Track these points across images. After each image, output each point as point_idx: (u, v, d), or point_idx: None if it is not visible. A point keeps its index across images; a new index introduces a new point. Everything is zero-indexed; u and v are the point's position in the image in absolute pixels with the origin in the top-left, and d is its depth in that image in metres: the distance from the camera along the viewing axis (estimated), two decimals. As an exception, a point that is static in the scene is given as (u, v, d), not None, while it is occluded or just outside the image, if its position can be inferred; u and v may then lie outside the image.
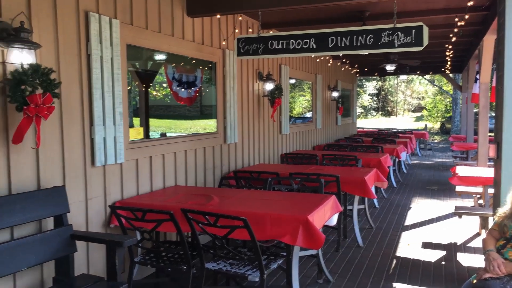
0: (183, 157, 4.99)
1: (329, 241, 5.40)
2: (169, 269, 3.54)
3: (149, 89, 5.26)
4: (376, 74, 16.59)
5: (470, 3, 5.09)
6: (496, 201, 3.95)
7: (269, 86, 6.87)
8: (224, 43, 5.78)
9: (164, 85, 5.40)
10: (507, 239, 2.54)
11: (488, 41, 6.79)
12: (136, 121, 4.91)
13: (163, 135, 5.27)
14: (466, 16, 5.83)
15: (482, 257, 4.78)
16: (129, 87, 4.85)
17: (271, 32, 6.99)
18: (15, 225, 2.93)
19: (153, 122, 5.31)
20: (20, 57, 2.88)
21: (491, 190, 5.10)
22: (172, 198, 4.07)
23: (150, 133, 5.06)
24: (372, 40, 4.56)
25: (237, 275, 3.29)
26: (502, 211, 2.70)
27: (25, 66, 2.84)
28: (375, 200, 7.50)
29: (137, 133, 4.53)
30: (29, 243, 2.90)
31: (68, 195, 3.33)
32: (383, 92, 44.21)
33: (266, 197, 4.10)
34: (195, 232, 3.34)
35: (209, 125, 5.88)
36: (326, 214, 3.73)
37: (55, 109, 3.03)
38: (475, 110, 11.43)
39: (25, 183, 3.12)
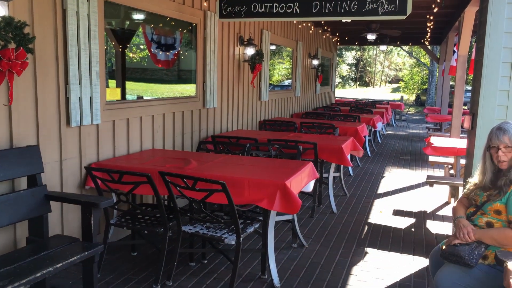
0: (161, 120, 4.92)
1: (304, 207, 5.50)
2: (145, 231, 3.55)
3: (126, 50, 5.10)
4: (356, 43, 16.57)
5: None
6: (467, 171, 4.07)
7: (250, 51, 6.77)
8: (205, 4, 5.61)
9: (142, 47, 5.24)
10: (477, 206, 2.62)
11: (469, 13, 6.80)
12: (112, 83, 4.77)
13: (140, 98, 5.16)
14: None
15: (450, 225, 4.99)
16: (106, 47, 4.69)
17: (253, -5, 6.82)
18: (-13, 184, 2.85)
19: (129, 85, 5.18)
20: (-10, 9, 2.73)
21: (462, 161, 5.25)
22: (149, 161, 4.03)
23: (127, 96, 4.95)
24: (356, 6, 4.52)
25: (214, 238, 3.32)
26: (473, 180, 2.78)
27: (-4, 18, 2.70)
28: (350, 168, 7.63)
29: (114, 93, 4.42)
30: (1, 203, 2.83)
31: (42, 155, 3.25)
32: (361, 63, 44.33)
33: (244, 162, 4.10)
34: (172, 195, 3.33)
35: (186, 90, 5.78)
36: (303, 180, 3.77)
37: (28, 65, 2.90)
38: (450, 83, 11.59)
39: (-3, 141, 3.03)
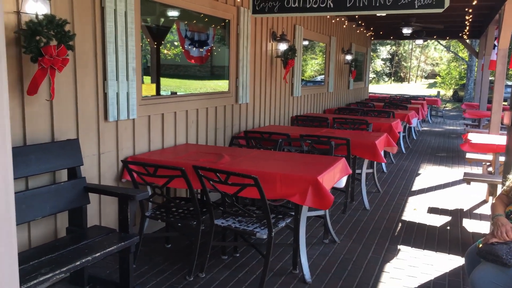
0: (194, 116, 5.00)
1: (336, 203, 5.46)
2: (179, 224, 3.63)
3: (160, 47, 5.21)
4: (391, 37, 16.23)
5: (495, -36, 4.89)
6: (507, 168, 3.94)
7: (283, 46, 6.76)
8: (239, 0, 5.65)
9: (176, 43, 5.33)
10: (517, 205, 2.54)
11: (510, 5, 6.56)
12: (147, 79, 4.89)
13: (174, 94, 5.26)
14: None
15: (487, 223, 4.84)
16: (141, 44, 4.80)
17: (287, -10, 6.80)
18: (30, 175, 2.99)
19: (163, 81, 5.28)
20: (35, 7, 2.85)
21: (501, 158, 5.08)
22: (183, 155, 4.10)
23: (161, 92, 5.05)
24: (391, 0, 4.44)
25: (246, 232, 3.36)
26: (513, 177, 2.70)
27: (40, 17, 2.81)
28: (383, 165, 7.51)
29: (149, 89, 4.52)
30: (44, 194, 2.96)
31: (82, 149, 3.38)
32: (396, 58, 43.38)
33: (277, 157, 4.12)
34: (205, 189, 3.39)
35: (219, 86, 5.84)
36: (335, 176, 3.75)
37: (69, 61, 3.01)
38: (490, 78, 11.19)
39: (39, 135, 3.16)
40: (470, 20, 9.99)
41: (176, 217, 3.64)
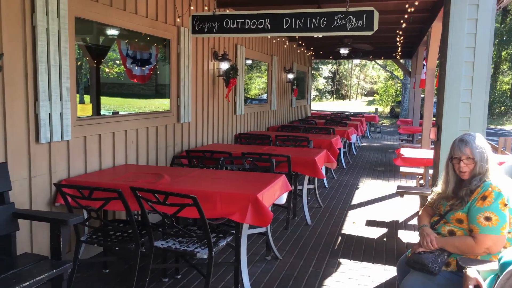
0: (134, 136, 4.91)
1: (279, 220, 5.53)
2: (117, 248, 3.52)
3: (101, 66, 5.10)
4: (330, 57, 16.87)
5: (419, -9, 5.27)
6: (434, 181, 4.19)
7: (225, 65, 6.84)
8: (179, 20, 5.67)
9: (118, 62, 5.25)
10: (441, 215, 2.71)
11: (436, 28, 7.06)
12: (88, 98, 4.76)
13: (116, 113, 5.15)
14: (416, 3, 6.04)
15: (420, 234, 5.09)
16: (80, 62, 4.68)
17: (227, 10, 6.92)
18: (-48, 202, 2.80)
19: (106, 100, 5.17)
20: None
21: (432, 171, 5.39)
22: (121, 177, 4.01)
23: (102, 111, 4.93)
24: (325, 23, 4.63)
25: (186, 252, 3.32)
26: (437, 190, 2.87)
27: (-38, 36, 2.68)
28: (325, 180, 7.72)
29: (86, 109, 4.40)
30: (-33, 221, 2.78)
31: (11, 172, 3.21)
32: (338, 76, 45.07)
33: (218, 176, 4.13)
34: (144, 211, 3.32)
35: (164, 104, 5.79)
36: (275, 193, 3.82)
37: (-5, 82, 2.89)
38: (422, 95, 11.91)
39: (-38, 159, 2.98)
40: (402, 41, 10.63)
41: (113, 240, 3.52)
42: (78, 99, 4.59)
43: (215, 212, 3.43)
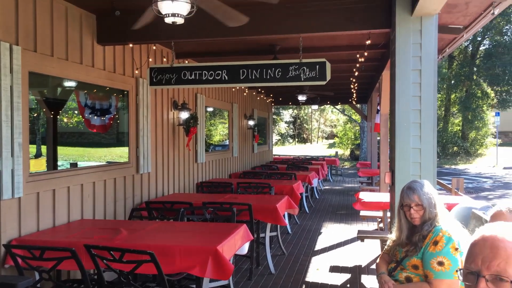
0: (91, 189, 4.79)
1: (242, 270, 5.44)
2: (71, 310, 3.34)
3: (58, 117, 5.02)
4: (290, 103, 17.33)
5: (368, 42, 5.58)
6: (392, 225, 4.27)
7: (184, 115, 6.88)
8: (137, 71, 5.72)
9: (76, 112, 5.19)
10: (397, 262, 2.76)
11: (386, 76, 7.41)
12: (44, 149, 4.65)
13: (75, 164, 5.03)
14: (366, 53, 6.37)
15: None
16: (36, 113, 4.60)
17: (186, 62, 7.06)
18: None
19: (65, 150, 5.05)
20: None
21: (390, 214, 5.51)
22: (76, 233, 3.87)
23: (60, 162, 4.80)
24: (280, 73, 4.81)
25: (145, 311, 3.19)
26: (391, 236, 2.94)
27: None
28: (288, 226, 7.71)
29: (39, 164, 4.28)
30: None
31: (-45, 235, 3.04)
32: (298, 120, 46.11)
33: (177, 228, 4.06)
34: (99, 269, 3.20)
35: (125, 152, 5.71)
36: (236, 243, 3.78)
37: None
38: (378, 138, 12.33)
39: None
40: (356, 88, 11.10)
41: (67, 302, 3.35)
42: (35, 151, 4.48)
43: (174, 267, 3.34)
